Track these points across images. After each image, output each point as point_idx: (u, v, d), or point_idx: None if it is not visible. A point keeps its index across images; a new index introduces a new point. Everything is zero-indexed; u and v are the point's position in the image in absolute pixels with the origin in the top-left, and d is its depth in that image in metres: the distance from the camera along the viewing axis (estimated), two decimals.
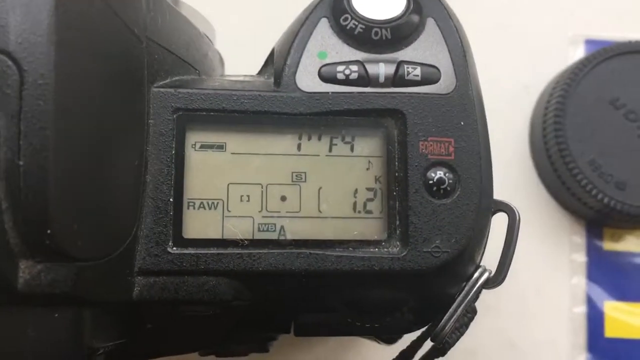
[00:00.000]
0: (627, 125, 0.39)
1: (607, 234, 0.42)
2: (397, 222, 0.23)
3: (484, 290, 0.25)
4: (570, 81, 0.39)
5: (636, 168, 0.39)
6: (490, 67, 0.40)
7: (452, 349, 0.26)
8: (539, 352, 0.41)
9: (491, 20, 0.43)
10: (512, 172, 0.42)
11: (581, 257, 0.42)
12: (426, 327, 0.26)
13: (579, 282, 0.42)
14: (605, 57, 0.40)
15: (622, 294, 0.41)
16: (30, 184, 0.18)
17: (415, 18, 0.24)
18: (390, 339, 0.28)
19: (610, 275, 0.41)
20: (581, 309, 0.41)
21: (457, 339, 0.26)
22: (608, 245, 0.42)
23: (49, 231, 0.19)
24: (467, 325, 0.26)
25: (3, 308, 0.19)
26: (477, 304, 0.26)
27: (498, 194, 0.27)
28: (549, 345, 0.41)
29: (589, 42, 0.43)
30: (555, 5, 0.44)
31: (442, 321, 0.25)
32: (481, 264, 0.25)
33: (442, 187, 0.23)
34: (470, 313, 0.25)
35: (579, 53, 0.43)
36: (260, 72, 0.27)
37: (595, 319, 0.41)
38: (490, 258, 0.26)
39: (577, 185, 0.38)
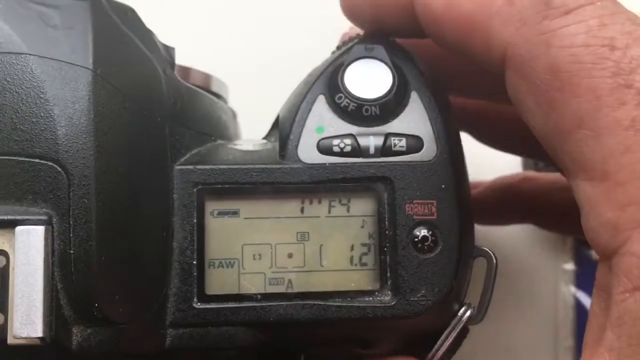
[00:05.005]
0: None
1: None
2: (388, 274, 0.27)
3: None
4: None
5: None
6: None
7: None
8: (531, 355, 0.45)
9: None
10: None
11: (570, 266, 0.45)
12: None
13: (569, 289, 0.45)
14: None
15: None
16: (79, 269, 0.22)
17: (400, 94, 0.27)
18: None
19: None
20: (571, 315, 0.45)
21: (450, 358, 0.29)
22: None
23: (95, 305, 0.23)
24: (459, 345, 0.29)
25: None
26: None
27: None
28: (541, 349, 0.45)
29: None
30: None
31: (431, 353, 0.28)
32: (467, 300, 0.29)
33: (426, 243, 0.27)
34: (462, 334, 0.29)
35: None
36: (268, 135, 0.31)
37: (584, 324, 0.44)
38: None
39: None
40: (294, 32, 0.45)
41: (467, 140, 0.38)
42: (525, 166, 0.46)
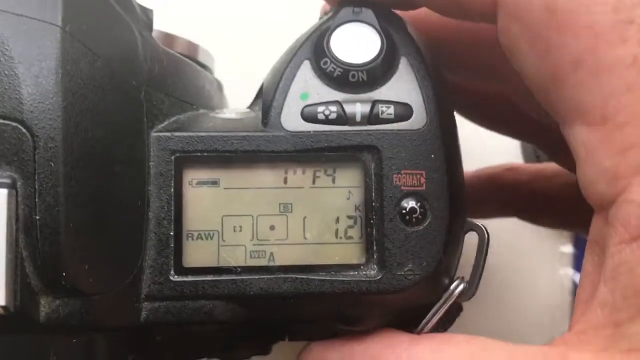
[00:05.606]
0: None
1: None
2: (375, 248, 0.26)
3: None
4: None
5: None
6: None
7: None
8: (529, 338, 0.43)
9: None
10: None
11: (568, 248, 0.44)
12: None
13: (567, 272, 0.44)
14: None
15: None
16: (45, 235, 0.21)
17: (388, 60, 0.26)
18: None
19: None
20: (568, 298, 0.44)
21: None
22: None
23: (63, 274, 0.22)
24: (452, 322, 0.28)
25: (29, 337, 0.23)
26: None
27: None
28: (539, 332, 0.44)
29: None
30: None
31: (420, 326, 0.27)
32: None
33: (414, 215, 0.25)
34: (456, 311, 0.28)
35: None
36: (252, 104, 0.29)
37: None
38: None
39: None
40: (284, 3, 0.43)
41: (468, 126, 0.37)
42: (525, 156, 0.45)
